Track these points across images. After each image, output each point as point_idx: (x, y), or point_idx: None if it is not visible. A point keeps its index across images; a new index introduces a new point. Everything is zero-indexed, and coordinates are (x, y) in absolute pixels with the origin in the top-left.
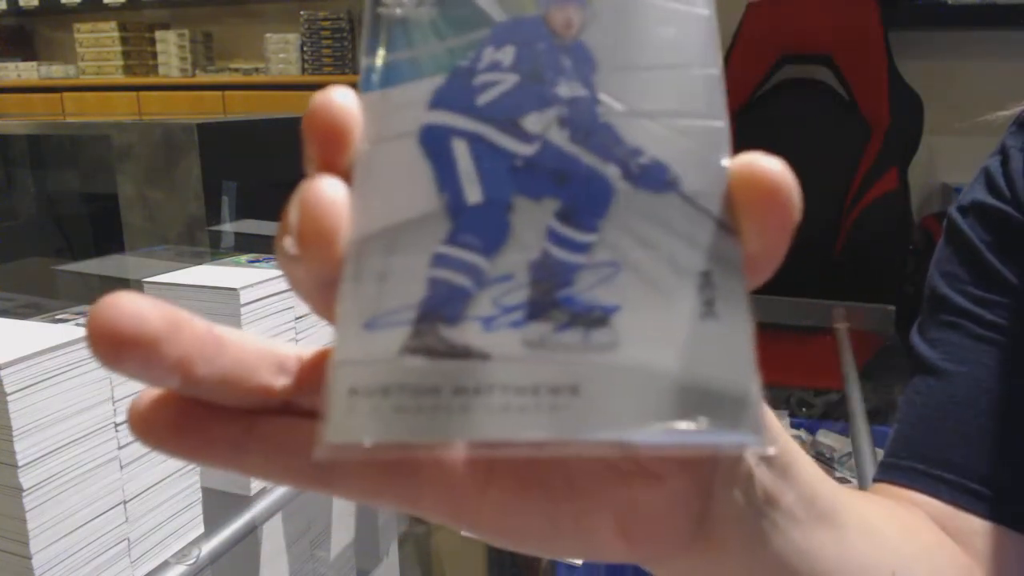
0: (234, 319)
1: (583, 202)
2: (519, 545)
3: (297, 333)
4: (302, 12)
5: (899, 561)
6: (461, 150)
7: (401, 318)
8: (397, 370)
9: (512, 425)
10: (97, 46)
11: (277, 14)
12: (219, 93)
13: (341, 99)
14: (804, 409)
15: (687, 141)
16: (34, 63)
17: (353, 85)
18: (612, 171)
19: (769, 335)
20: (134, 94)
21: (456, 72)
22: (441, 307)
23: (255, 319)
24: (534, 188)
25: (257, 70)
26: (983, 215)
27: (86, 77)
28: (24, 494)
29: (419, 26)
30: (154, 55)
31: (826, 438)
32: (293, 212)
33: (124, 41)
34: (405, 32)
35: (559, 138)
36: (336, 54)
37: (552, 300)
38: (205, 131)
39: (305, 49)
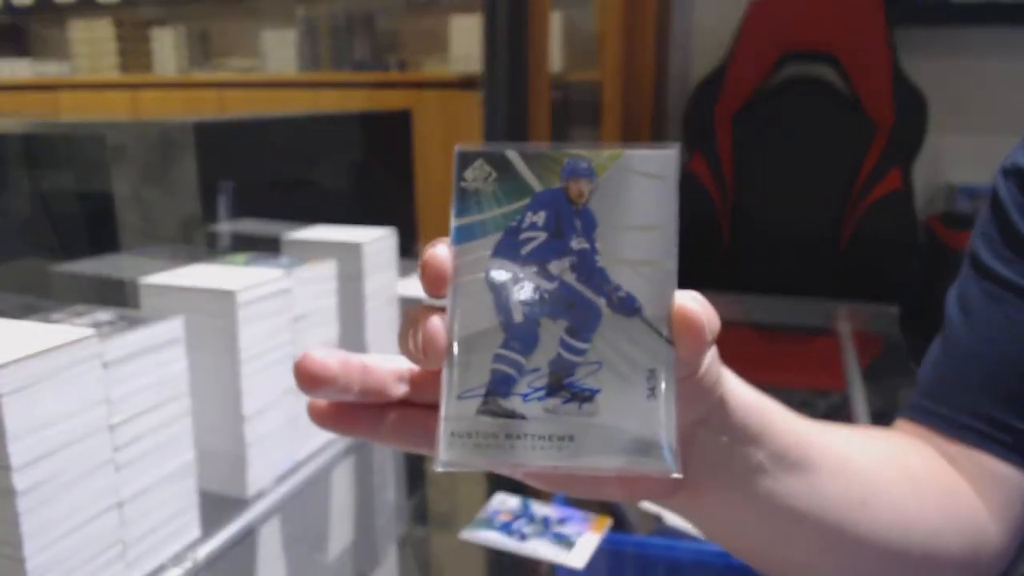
0: (231, 320)
1: (583, 323)
2: (554, 490)
3: (295, 333)
4: (299, 9)
5: (871, 490)
6: (511, 286)
7: (477, 392)
8: (475, 423)
9: (537, 457)
10: (92, 44)
11: (274, 11)
12: (215, 91)
13: (442, 253)
14: (806, 410)
15: (648, 281)
16: (28, 60)
17: (349, 84)
18: (601, 301)
19: (772, 335)
20: (129, 92)
21: (508, 231)
22: (499, 387)
23: (252, 320)
24: (553, 312)
25: (254, 68)
26: (1020, 177)
27: (81, 75)
28: (18, 497)
29: (486, 196)
30: (149, 53)
31: None
32: (418, 334)
33: (119, 39)
34: (478, 201)
35: (570, 278)
36: (333, 52)
37: (561, 384)
38: (202, 130)
39: (302, 47)
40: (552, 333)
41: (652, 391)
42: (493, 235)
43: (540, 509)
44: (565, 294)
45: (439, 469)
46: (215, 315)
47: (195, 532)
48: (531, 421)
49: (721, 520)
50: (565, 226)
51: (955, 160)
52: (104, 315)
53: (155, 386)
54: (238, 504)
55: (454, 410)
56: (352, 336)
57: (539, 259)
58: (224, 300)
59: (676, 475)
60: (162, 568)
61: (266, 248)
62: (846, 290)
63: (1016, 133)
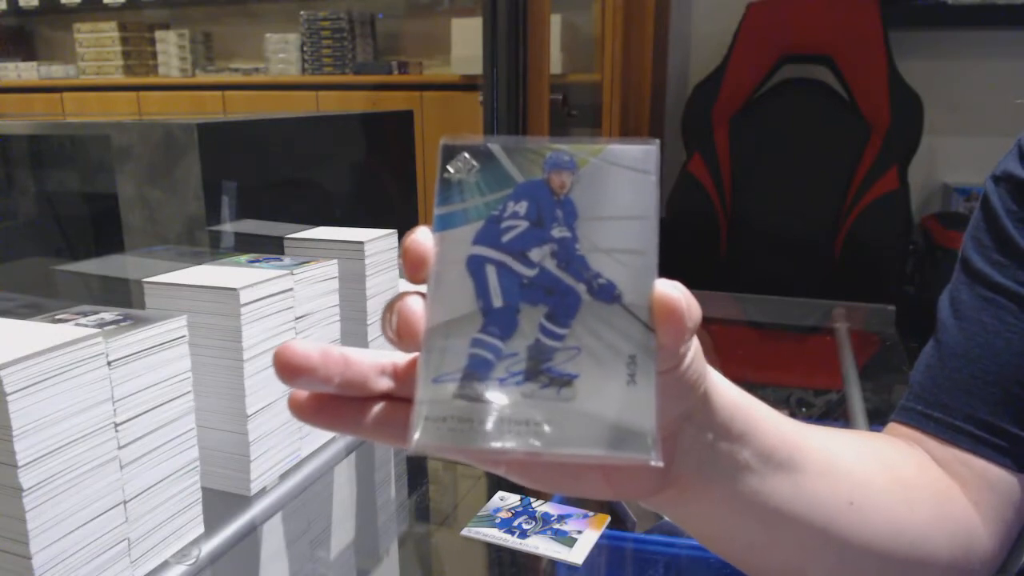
0: (234, 319)
1: (562, 308)
2: (535, 486)
3: (297, 332)
4: (302, 12)
5: (859, 491)
6: (491, 272)
7: (453, 376)
8: (451, 407)
9: (512, 441)
10: (97, 46)
11: (277, 14)
12: (219, 93)
13: (423, 238)
14: (804, 409)
15: (629, 269)
16: (34, 63)
17: (351, 86)
18: (581, 288)
19: (769, 335)
20: (134, 94)
21: (490, 219)
22: (476, 371)
23: (255, 319)
24: (533, 298)
25: (257, 70)
26: (1011, 185)
27: (86, 77)
28: (24, 494)
29: (469, 186)
30: (154, 55)
31: None
32: (394, 316)
33: (124, 41)
34: (460, 191)
35: (551, 265)
36: (336, 54)
37: (540, 369)
38: (205, 131)
39: (305, 49)
40: (531, 318)
41: (632, 377)
42: (475, 223)
43: (540, 507)
44: (545, 280)
45: (411, 452)
46: (218, 314)
47: (198, 529)
48: (508, 406)
49: (707, 520)
50: (546, 215)
51: (951, 161)
52: (109, 314)
53: (159, 384)
54: (241, 501)
55: (429, 393)
56: (354, 336)
57: (520, 246)
58: (227, 299)
59: (656, 463)
60: (166, 565)
61: (269, 248)
62: (843, 289)
63: (1010, 134)
